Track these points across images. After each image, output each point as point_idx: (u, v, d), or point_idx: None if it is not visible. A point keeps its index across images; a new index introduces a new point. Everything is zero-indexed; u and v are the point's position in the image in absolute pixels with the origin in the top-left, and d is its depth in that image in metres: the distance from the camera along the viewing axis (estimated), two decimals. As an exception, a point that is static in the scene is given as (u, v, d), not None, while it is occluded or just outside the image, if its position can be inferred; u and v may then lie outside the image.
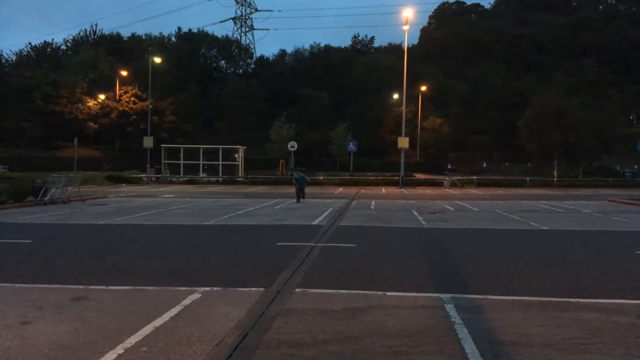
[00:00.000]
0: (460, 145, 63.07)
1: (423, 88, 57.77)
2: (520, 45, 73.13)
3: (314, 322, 5.12)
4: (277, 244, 10.22)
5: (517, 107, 54.34)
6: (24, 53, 72.44)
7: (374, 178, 39.67)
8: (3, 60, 69.04)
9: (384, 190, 32.36)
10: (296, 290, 6.40)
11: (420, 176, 44.17)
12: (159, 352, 4.31)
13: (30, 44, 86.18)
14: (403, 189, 33.51)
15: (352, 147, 43.64)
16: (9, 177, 26.87)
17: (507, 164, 57.16)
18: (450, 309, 5.58)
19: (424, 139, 60.07)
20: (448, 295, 6.11)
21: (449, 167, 58.23)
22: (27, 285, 6.58)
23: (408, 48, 41.49)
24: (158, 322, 5.09)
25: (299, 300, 5.92)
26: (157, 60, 50.48)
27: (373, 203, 21.29)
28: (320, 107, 63.11)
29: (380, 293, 6.22)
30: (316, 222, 14.14)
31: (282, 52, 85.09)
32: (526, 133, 48.88)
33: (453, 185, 37.13)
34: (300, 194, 21.58)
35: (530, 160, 51.38)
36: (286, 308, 5.61)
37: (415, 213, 16.74)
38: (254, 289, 6.44)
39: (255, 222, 14.07)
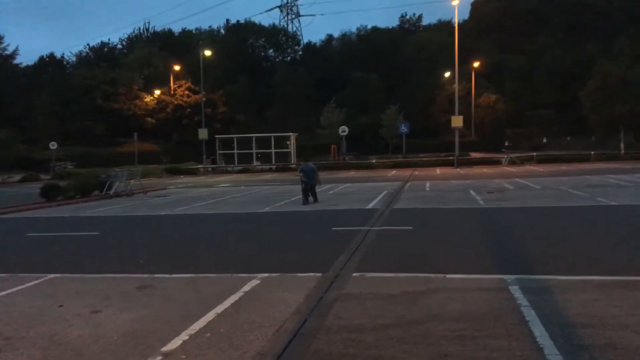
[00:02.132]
0: (518, 122, 60.63)
1: (476, 64, 55.85)
2: (580, 13, 69.12)
3: (373, 306, 5.06)
4: (333, 228, 10.20)
5: (578, 78, 51.51)
6: (83, 54, 75.76)
7: (427, 159, 38.93)
8: (65, 63, 72.49)
9: (438, 171, 31.69)
10: (353, 274, 6.35)
11: (475, 155, 42.90)
12: (222, 337, 4.38)
13: (88, 44, 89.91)
14: (458, 169, 32.68)
15: (404, 128, 42.93)
16: (76, 174, 28.34)
17: (568, 138, 54.47)
18: (515, 290, 5.35)
19: (478, 117, 58.21)
20: (512, 277, 5.87)
21: (506, 144, 56.16)
22: (96, 276, 6.89)
23: (459, 24, 40.20)
24: (220, 308, 5.19)
25: (356, 285, 5.87)
26: (208, 53, 51.43)
27: (428, 184, 20.88)
28: (370, 90, 62.38)
29: (440, 276, 6.07)
30: (370, 205, 14.03)
31: (329, 37, 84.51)
32: (589, 105, 46.33)
33: (512, 162, 35.84)
34: (308, 192, 15.15)
35: (594, 133, 48.72)
36: (344, 293, 5.58)
37: (473, 193, 16.27)
38: (311, 274, 6.45)
39: (310, 208, 14.12)
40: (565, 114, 56.55)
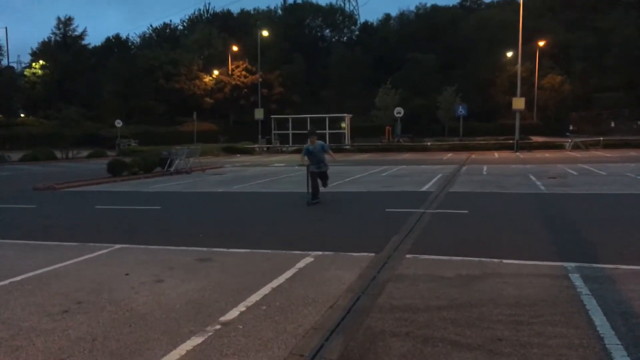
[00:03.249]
0: (584, 104, 57.61)
1: (541, 44, 53.33)
2: (658, -13, 64.22)
3: (427, 288, 5.05)
4: (386, 210, 10.19)
5: (653, 58, 48.20)
6: (147, 35, 78.30)
7: (485, 142, 37.83)
8: (129, 44, 75.18)
9: (496, 154, 30.75)
10: (407, 256, 6.34)
11: (537, 139, 41.24)
12: (277, 310, 4.52)
13: (151, 26, 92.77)
14: (518, 153, 31.59)
15: (461, 110, 41.82)
16: (139, 151, 29.59)
17: (639, 122, 51.32)
18: (575, 278, 5.19)
19: (541, 99, 55.82)
20: (572, 264, 5.69)
21: (570, 128, 53.58)
22: (159, 247, 7.23)
23: (523, 1, 38.33)
24: (275, 283, 5.34)
25: (410, 266, 5.87)
26: (265, 33, 51.83)
27: (485, 168, 20.34)
28: (427, 70, 61.03)
29: (496, 261, 5.96)
30: (425, 188, 13.86)
31: (387, 17, 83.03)
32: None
33: (576, 147, 34.23)
34: (317, 185, 11.12)
35: (669, 117, 45.65)
36: (397, 274, 5.60)
37: (533, 178, 15.72)
38: (364, 254, 6.50)
39: (363, 189, 14.12)
40: (636, 96, 53.18)
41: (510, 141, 35.34)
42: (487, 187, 13.69)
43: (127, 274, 5.82)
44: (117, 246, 7.30)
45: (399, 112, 41.42)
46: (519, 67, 36.57)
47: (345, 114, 43.77)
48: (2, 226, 9.50)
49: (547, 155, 29.34)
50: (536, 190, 12.81)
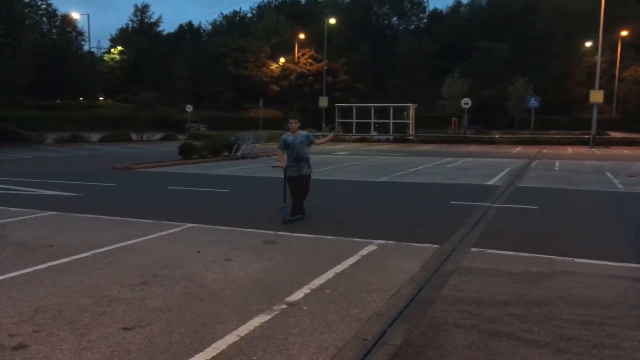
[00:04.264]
0: (671, 99, 53.57)
1: (624, 33, 49.96)
2: None
3: (493, 282, 4.98)
4: (451, 202, 10.03)
5: None
6: (217, 23, 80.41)
7: (558, 137, 36.07)
8: (201, 31, 77.53)
9: (570, 150, 29.29)
10: (472, 249, 6.25)
11: (616, 135, 38.86)
12: (341, 295, 4.62)
13: (222, 13, 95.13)
14: (594, 149, 29.93)
15: (533, 102, 40.04)
16: (208, 135, 30.60)
17: None
18: (654, 282, 4.93)
19: (622, 92, 52.42)
20: (651, 267, 5.40)
21: (653, 124, 50.09)
22: (227, 228, 7.52)
23: (607, -13, 35.96)
24: (338, 268, 5.44)
25: (475, 260, 5.79)
26: (332, 21, 51.83)
27: (557, 163, 19.46)
28: (498, 60, 58.79)
29: (567, 259, 5.75)
30: (492, 182, 13.48)
31: (457, 4, 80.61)
32: None
33: (659, 145, 31.99)
34: (297, 188, 8.11)
35: None
36: (462, 266, 5.54)
37: (610, 175, 14.89)
38: (427, 245, 6.47)
39: (427, 180, 13.94)
40: None
41: (586, 136, 33.53)
42: (559, 183, 13.13)
43: (198, 252, 6.11)
44: (189, 225, 7.67)
45: (466, 102, 40.25)
46: (598, 57, 34.47)
47: (411, 104, 43.10)
48: (86, 203, 10.20)
49: (626, 152, 27.62)
50: (612, 189, 12.14)
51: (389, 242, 6.63)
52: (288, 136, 8.05)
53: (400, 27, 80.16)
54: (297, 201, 8.03)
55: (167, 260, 5.76)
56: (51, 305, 4.30)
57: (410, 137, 39.88)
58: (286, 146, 8.01)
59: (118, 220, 8.04)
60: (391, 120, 42.25)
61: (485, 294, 4.64)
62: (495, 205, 9.58)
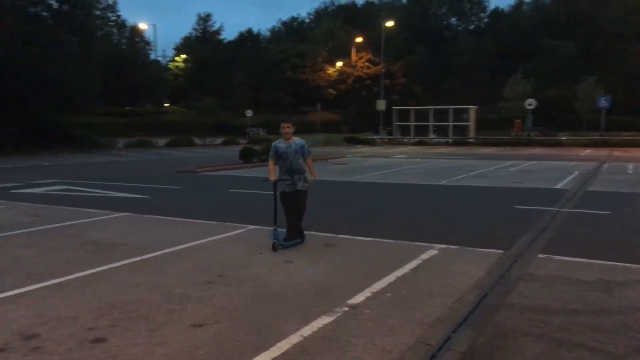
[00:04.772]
0: None
1: None
2: None
3: (562, 290, 4.78)
4: (515, 207, 9.71)
5: None
6: (276, 29, 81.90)
7: (631, 139, 34.07)
8: (260, 38, 79.22)
9: (644, 152, 27.60)
10: (539, 255, 6.03)
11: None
12: (402, 299, 4.59)
13: (280, 19, 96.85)
14: (672, 151, 28.04)
15: (603, 102, 38.07)
16: (267, 139, 31.19)
17: None
18: None
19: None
20: None
21: None
22: (288, 231, 7.63)
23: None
24: (399, 272, 5.41)
25: (542, 266, 5.58)
26: (389, 24, 51.49)
27: (631, 166, 18.39)
28: (563, 58, 56.31)
29: (644, 267, 5.44)
30: (559, 185, 12.93)
31: (519, 2, 77.91)
32: None
33: None
34: (290, 205, 6.64)
35: None
36: (528, 273, 5.36)
37: (690, 179, 13.92)
38: (492, 250, 6.30)
39: (490, 184, 13.57)
40: None
41: (662, 137, 31.47)
42: (634, 187, 12.41)
43: (261, 253, 6.25)
44: (251, 227, 7.85)
45: (530, 103, 38.81)
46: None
47: (471, 106, 42.08)
48: (154, 204, 10.67)
49: None
50: (694, 193, 11.34)
51: (451, 246, 6.51)
52: (280, 143, 6.61)
53: (460, 28, 78.49)
54: (292, 221, 6.57)
55: (231, 260, 5.93)
56: (126, 302, 4.54)
57: (471, 140, 38.93)
58: (278, 155, 6.58)
59: (184, 222, 8.36)
60: (451, 123, 41.41)
61: (555, 302, 4.47)
62: (564, 210, 9.19)
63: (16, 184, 13.74)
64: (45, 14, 29.43)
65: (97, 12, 33.17)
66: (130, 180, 15.00)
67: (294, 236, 6.61)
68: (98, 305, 4.44)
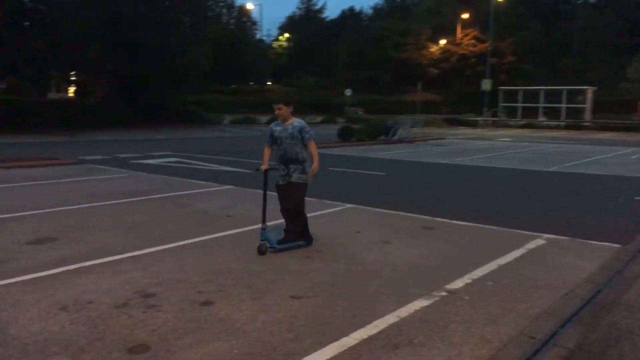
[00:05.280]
0: None
1: None
2: None
3: (690, 292, 4.31)
4: (636, 198, 8.87)
5: None
6: (379, 7, 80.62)
7: None
8: (362, 16, 78.55)
9: None
10: (664, 253, 5.48)
11: None
12: (505, 288, 4.40)
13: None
14: None
15: None
16: (365, 118, 31.12)
17: None
18: None
19: None
20: None
21: None
22: (385, 211, 7.61)
23: None
24: (501, 260, 5.18)
25: (667, 265, 5.06)
26: (499, -2, 48.55)
27: None
28: None
29: None
30: (691, 177, 11.60)
31: (653, -30, 69.66)
32: None
33: None
34: (283, 199, 5.58)
35: None
36: (650, 270, 4.89)
37: None
38: (607, 244, 5.83)
39: (607, 172, 12.49)
40: None
41: None
42: None
43: (358, 232, 6.30)
44: (348, 205, 7.93)
45: (658, 85, 34.87)
46: None
47: (588, 87, 38.74)
48: (257, 179, 11.11)
49: None
50: None
51: (561, 237, 6.11)
52: (276, 125, 5.58)
53: (579, 1, 72.01)
54: (287, 221, 5.58)
55: (329, 237, 6.04)
56: (231, 269, 4.81)
57: (586, 124, 35.96)
58: (272, 140, 5.55)
59: (284, 197, 8.62)
60: (564, 105, 38.49)
61: (681, 305, 4.05)
62: (695, 204, 8.24)
63: (136, 155, 14.98)
64: (162, -4, 31.37)
65: (209, -7, 34.74)
66: (235, 154, 15.75)
67: (291, 238, 5.49)
68: (206, 271, 4.74)
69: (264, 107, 45.82)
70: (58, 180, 9.96)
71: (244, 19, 62.04)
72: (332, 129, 24.25)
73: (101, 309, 3.82)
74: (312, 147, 5.45)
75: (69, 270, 4.66)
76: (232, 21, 59.88)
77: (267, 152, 5.61)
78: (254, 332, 3.49)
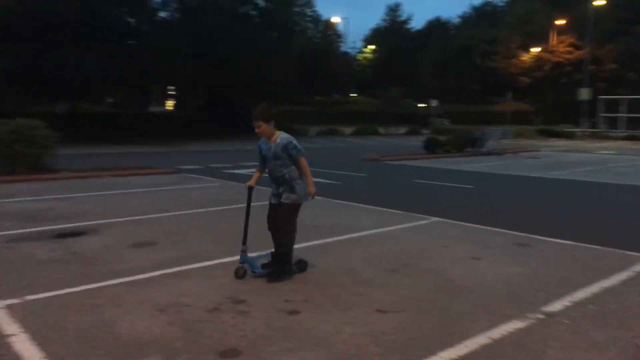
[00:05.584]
0: None
1: None
2: None
3: None
4: None
5: None
6: (466, 15, 78.71)
7: None
8: (449, 25, 77.06)
9: None
10: None
11: None
12: (610, 313, 4.06)
13: (472, 4, 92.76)
14: None
15: None
16: (452, 130, 30.34)
17: None
18: None
19: None
20: None
21: None
22: (474, 225, 7.33)
23: None
24: (605, 283, 4.80)
25: None
26: (599, 2, 45.53)
27: None
28: None
29: None
30: None
31: None
32: None
33: None
34: (270, 220, 5.06)
35: None
36: None
37: None
38: None
39: None
40: None
41: None
42: None
43: (445, 247, 6.12)
44: (434, 219, 7.73)
45: None
46: None
47: None
48: (343, 190, 11.18)
49: None
50: None
51: (675, 260, 5.55)
52: (264, 143, 5.04)
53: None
54: (274, 242, 5.03)
55: (415, 251, 5.91)
56: (317, 280, 4.84)
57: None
58: (261, 157, 5.11)
59: (370, 209, 8.59)
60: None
61: None
62: None
63: (227, 165, 15.66)
64: (252, 12, 32.73)
65: (296, 9, 35.76)
66: (320, 165, 15.95)
67: (283, 262, 4.91)
68: (292, 280, 4.81)
69: (347, 118, 46.32)
70: (157, 189, 10.62)
71: (329, 32, 63.08)
72: (417, 141, 23.91)
73: (195, 312, 4.00)
74: (303, 164, 4.89)
75: (166, 274, 4.93)
76: (318, 35, 61.08)
77: (257, 174, 5.14)
78: (340, 344, 3.48)
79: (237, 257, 4.91)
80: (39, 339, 3.46)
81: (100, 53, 23.65)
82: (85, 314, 3.94)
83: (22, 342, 3.41)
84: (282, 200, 4.91)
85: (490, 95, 55.10)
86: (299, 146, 4.86)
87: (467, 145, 21.26)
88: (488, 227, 7.18)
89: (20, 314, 3.89)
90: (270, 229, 5.00)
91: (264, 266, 4.93)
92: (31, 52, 22.81)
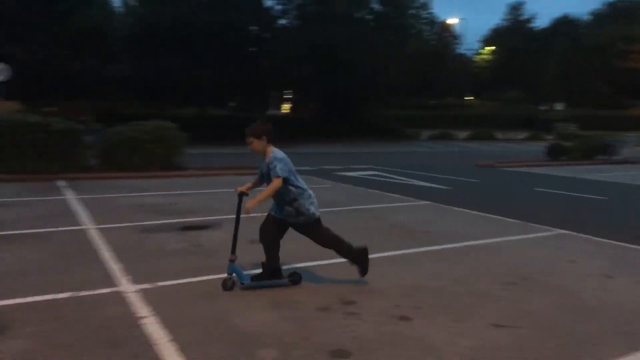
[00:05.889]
0: None
1: None
2: None
3: None
4: None
5: None
6: (598, 12, 72.11)
7: None
8: (578, 23, 71.19)
9: None
10: None
11: None
12: None
13: (604, 1, 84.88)
14: None
15: None
16: (579, 136, 28.00)
17: None
18: None
19: None
20: None
21: None
22: (606, 241, 6.67)
23: None
24: None
25: None
26: None
27: None
28: None
29: None
30: None
31: None
32: None
33: None
34: (268, 234, 4.71)
35: None
36: None
37: None
38: None
39: None
40: None
41: None
42: None
43: (571, 261, 5.64)
44: (559, 231, 7.17)
45: None
46: None
47: None
48: (455, 196, 10.81)
49: None
50: None
51: None
52: (262, 160, 4.69)
53: None
54: (272, 249, 4.69)
55: (536, 264, 5.52)
56: (429, 287, 4.71)
57: None
58: (260, 174, 4.80)
59: (485, 217, 8.20)
60: None
61: None
62: None
63: (338, 167, 15.89)
64: (368, 17, 32.93)
65: (412, 12, 35.33)
66: (431, 170, 15.59)
67: (269, 275, 4.65)
68: (404, 285, 4.73)
69: (462, 122, 44.79)
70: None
71: (445, 34, 61.44)
72: (537, 147, 22.40)
73: (307, 309, 4.09)
74: (273, 184, 4.38)
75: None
76: (434, 37, 59.78)
77: (250, 184, 4.80)
78: (452, 355, 3.34)
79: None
80: (167, 322, 3.75)
81: (225, 60, 25.28)
82: (206, 302, 4.20)
83: (152, 325, 3.73)
84: (300, 225, 4.66)
85: (624, 98, 50.04)
86: (278, 166, 4.38)
87: (597, 152, 19.50)
88: (623, 244, 6.50)
89: (152, 298, 4.26)
90: (261, 240, 4.70)
91: (253, 278, 4.63)
92: (167, 60, 25.04)
